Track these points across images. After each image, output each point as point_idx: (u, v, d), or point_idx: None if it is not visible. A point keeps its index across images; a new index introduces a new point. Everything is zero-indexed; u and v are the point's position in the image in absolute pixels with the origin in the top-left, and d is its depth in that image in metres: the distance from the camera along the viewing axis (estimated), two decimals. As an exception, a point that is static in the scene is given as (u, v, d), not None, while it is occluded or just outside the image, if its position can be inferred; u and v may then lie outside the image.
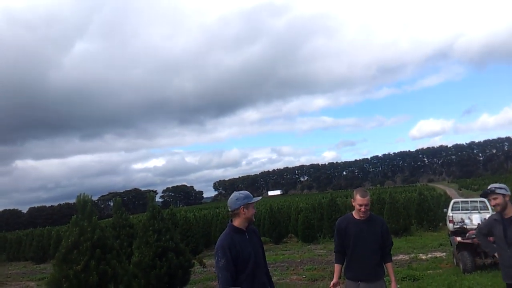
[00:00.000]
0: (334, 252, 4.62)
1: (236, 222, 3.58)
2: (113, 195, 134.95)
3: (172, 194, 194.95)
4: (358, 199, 4.29)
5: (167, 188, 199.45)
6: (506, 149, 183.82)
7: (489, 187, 4.44)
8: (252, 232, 3.69)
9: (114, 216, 11.97)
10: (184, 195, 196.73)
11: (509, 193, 4.37)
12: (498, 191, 4.30)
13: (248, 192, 3.67)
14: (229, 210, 3.61)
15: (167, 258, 8.91)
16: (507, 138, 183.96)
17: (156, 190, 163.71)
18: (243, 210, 3.55)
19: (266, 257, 3.86)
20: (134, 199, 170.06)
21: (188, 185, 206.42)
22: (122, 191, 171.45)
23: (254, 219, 3.70)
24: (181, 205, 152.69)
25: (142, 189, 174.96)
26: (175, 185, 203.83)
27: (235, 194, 3.65)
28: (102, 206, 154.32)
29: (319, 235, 21.68)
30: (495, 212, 4.54)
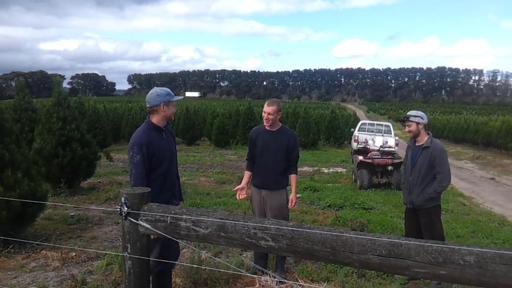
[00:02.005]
0: (246, 159, 4.71)
1: (155, 119, 3.40)
2: (16, 75, 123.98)
3: (82, 81, 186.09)
4: (264, 107, 4.38)
5: (76, 74, 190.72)
6: (417, 79, 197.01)
7: (407, 114, 4.63)
8: (169, 132, 3.57)
9: (15, 97, 10.99)
10: (94, 84, 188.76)
11: (424, 121, 4.52)
12: (412, 118, 4.50)
13: (169, 90, 3.47)
14: (148, 106, 3.40)
15: (71, 148, 8.54)
16: (420, 69, 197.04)
17: (64, 75, 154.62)
18: (163, 108, 3.36)
19: (177, 158, 3.78)
20: (39, 82, 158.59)
21: (100, 75, 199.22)
22: (26, 71, 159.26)
23: (173, 118, 3.53)
24: (90, 95, 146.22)
25: (49, 72, 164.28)
26: (85, 72, 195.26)
27: (156, 89, 3.42)
28: (4, 85, 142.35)
29: (232, 141, 22.11)
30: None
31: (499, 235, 6.96)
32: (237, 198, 4.57)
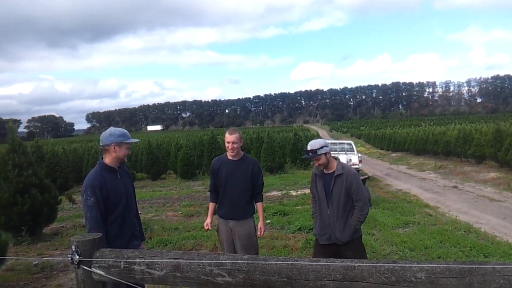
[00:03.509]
0: (209, 191, 4.66)
1: (107, 160, 3.32)
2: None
3: (39, 124, 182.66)
4: (227, 137, 4.35)
5: (33, 117, 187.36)
6: (374, 95, 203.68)
7: (310, 149, 4.11)
8: (124, 172, 3.48)
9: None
10: (52, 126, 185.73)
11: (329, 148, 4.18)
12: (319, 151, 4.06)
13: (125, 131, 3.40)
14: (100, 144, 3.34)
15: (30, 194, 8.26)
16: (376, 86, 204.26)
17: (20, 120, 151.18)
18: (114, 148, 3.28)
19: (136, 197, 3.70)
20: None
21: (57, 116, 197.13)
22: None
23: (126, 160, 3.45)
24: (49, 137, 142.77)
25: (4, 117, 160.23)
26: (42, 115, 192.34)
27: (111, 129, 3.37)
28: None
29: (199, 171, 21.92)
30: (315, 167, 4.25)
31: (466, 243, 7.11)
32: (205, 229, 4.58)
